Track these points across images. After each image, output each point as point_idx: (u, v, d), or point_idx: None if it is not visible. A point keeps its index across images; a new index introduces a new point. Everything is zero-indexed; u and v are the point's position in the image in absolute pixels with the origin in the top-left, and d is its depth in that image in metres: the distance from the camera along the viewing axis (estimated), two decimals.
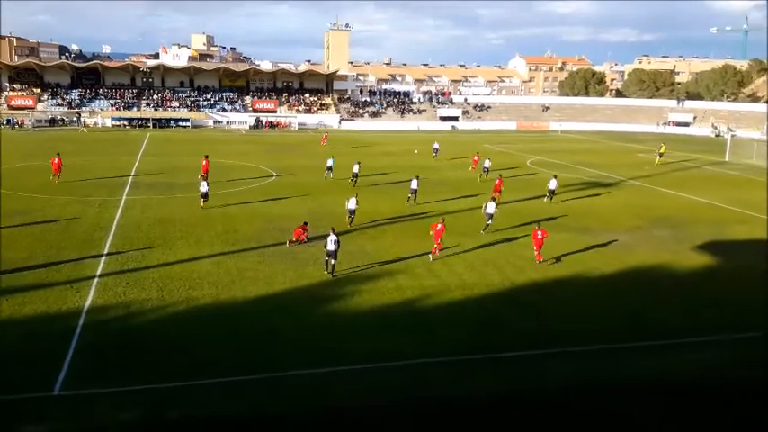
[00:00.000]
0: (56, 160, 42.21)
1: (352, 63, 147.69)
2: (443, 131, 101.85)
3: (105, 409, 14.98)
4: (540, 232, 27.09)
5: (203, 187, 36.36)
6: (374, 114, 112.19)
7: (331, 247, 24.26)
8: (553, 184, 40.80)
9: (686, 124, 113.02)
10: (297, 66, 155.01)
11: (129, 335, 18.93)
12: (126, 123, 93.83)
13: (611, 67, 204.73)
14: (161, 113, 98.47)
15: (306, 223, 29.91)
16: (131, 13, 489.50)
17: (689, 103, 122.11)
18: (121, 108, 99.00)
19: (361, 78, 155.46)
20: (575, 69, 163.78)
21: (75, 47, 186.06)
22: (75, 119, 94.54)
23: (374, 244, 29.40)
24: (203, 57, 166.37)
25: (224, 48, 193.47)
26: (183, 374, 16.34)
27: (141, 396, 15.49)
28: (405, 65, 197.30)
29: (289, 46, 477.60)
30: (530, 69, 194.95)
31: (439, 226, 27.48)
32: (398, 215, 35.64)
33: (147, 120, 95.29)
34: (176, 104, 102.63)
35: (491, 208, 32.16)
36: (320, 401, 15.57)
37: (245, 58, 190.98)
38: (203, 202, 36.06)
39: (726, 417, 15.34)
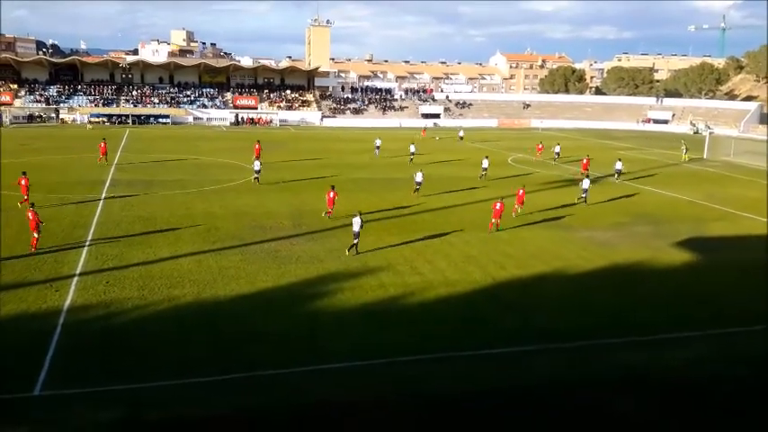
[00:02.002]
0: (23, 181, 33.93)
1: (333, 60, 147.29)
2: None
3: (86, 409, 14.80)
4: (498, 204, 31.48)
5: (256, 166, 43.79)
6: (356, 111, 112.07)
7: (356, 228, 26.75)
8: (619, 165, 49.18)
9: (665, 121, 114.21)
10: (278, 62, 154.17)
11: (109, 334, 18.72)
12: (105, 120, 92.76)
13: (591, 64, 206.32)
14: (140, 110, 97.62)
15: (333, 186, 33.75)
16: (110, 9, 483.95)
17: (667, 101, 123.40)
18: (100, 104, 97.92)
19: (343, 75, 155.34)
20: (555, 67, 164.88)
21: (52, 42, 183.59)
22: (53, 115, 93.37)
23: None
24: (183, 53, 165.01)
25: (204, 44, 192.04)
26: (164, 374, 16.18)
27: (123, 396, 15.31)
28: (386, 62, 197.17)
29: (270, 42, 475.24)
30: (510, 67, 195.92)
31: (498, 205, 31.40)
32: (380, 212, 35.59)
33: (127, 116, 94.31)
34: (156, 101, 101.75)
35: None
36: (304, 399, 15.50)
37: (225, 53, 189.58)
38: (256, 177, 43.32)
39: (711, 411, 15.53)
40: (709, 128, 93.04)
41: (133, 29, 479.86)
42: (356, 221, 26.95)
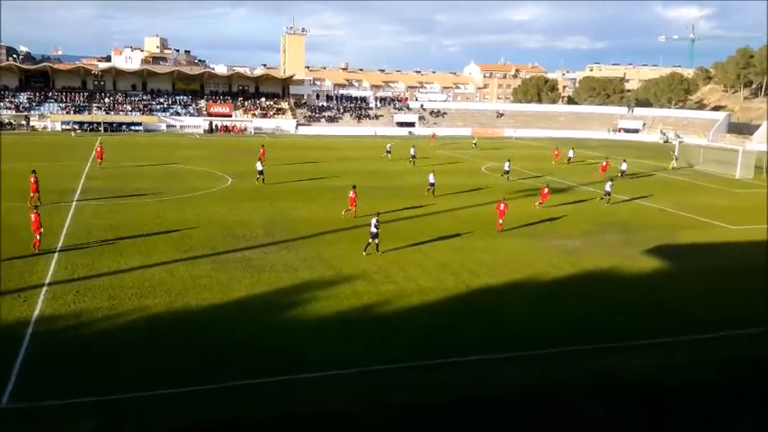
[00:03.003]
0: (32, 179, 36.00)
1: (308, 68, 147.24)
2: (401, 137, 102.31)
3: (55, 421, 14.60)
4: (502, 205, 33.75)
5: (259, 167, 47.49)
6: (331, 119, 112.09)
7: (374, 230, 28.17)
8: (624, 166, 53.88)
9: (636, 131, 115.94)
10: (252, 69, 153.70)
11: (79, 345, 18.47)
12: (76, 127, 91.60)
13: (564, 74, 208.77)
14: (112, 117, 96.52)
15: (354, 186, 36.38)
16: (82, 15, 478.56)
17: (638, 110, 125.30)
18: (72, 112, 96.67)
19: (318, 83, 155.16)
20: (528, 77, 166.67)
21: (23, 48, 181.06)
22: (23, 122, 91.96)
23: (331, 250, 29.33)
24: (157, 60, 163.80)
25: (178, 51, 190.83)
26: (136, 385, 16.00)
27: (93, 408, 15.10)
28: (361, 70, 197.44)
29: (245, 50, 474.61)
30: (484, 76, 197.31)
31: (502, 206, 33.73)
32: (354, 221, 35.60)
33: (98, 124, 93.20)
34: (128, 108, 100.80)
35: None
36: (278, 409, 15.46)
37: (199, 61, 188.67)
38: (260, 178, 47.06)
39: (682, 417, 15.78)
40: (678, 137, 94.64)
41: (106, 35, 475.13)
42: (373, 222, 28.48)
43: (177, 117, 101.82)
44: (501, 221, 34.14)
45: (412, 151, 64.38)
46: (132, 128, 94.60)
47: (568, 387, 17.15)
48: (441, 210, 39.75)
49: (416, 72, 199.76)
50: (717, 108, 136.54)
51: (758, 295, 25.00)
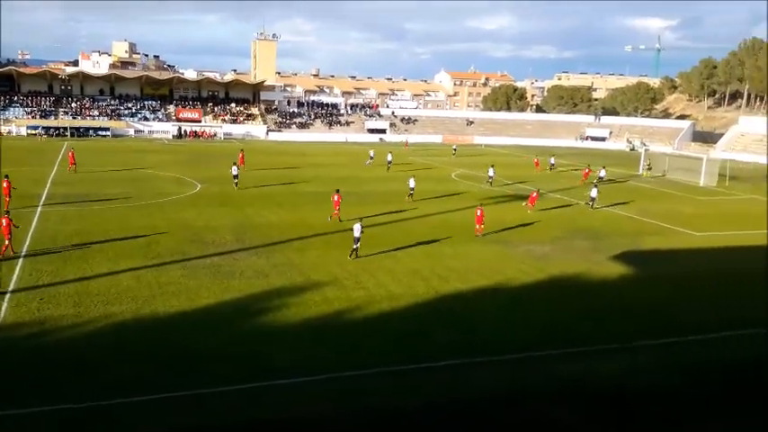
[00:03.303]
0: (4, 183, 36.34)
1: (279, 73, 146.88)
2: (372, 144, 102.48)
3: (17, 430, 14.29)
4: (479, 211, 34.67)
5: (234, 171, 48.20)
6: (302, 125, 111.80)
7: (357, 234, 28.71)
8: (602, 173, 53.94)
9: (602, 139, 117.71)
10: (222, 75, 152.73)
11: (43, 353, 18.10)
12: (42, 132, 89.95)
13: (532, 83, 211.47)
14: (79, 122, 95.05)
15: (338, 190, 37.15)
16: (48, 18, 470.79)
17: (605, 119, 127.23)
18: (38, 116, 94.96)
19: (289, 89, 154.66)
20: (497, 85, 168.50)
21: None
22: None
23: (301, 256, 29.23)
24: (125, 64, 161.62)
25: (146, 55, 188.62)
26: (101, 394, 15.72)
27: (58, 417, 14.83)
28: (333, 77, 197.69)
29: (215, 55, 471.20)
30: (455, 84, 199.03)
31: (479, 212, 34.64)
32: (325, 227, 35.55)
33: (65, 129, 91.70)
34: (96, 113, 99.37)
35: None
36: (247, 416, 15.33)
37: (168, 66, 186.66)
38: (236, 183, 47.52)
39: (648, 422, 16.01)
40: (644, 145, 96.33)
41: (74, 40, 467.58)
42: (357, 228, 28.93)
43: (146, 122, 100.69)
44: (481, 227, 34.63)
45: (389, 157, 65.30)
46: (100, 133, 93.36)
47: (536, 392, 17.30)
48: (411, 216, 39.88)
49: (387, 79, 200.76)
50: (682, 117, 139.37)
51: (723, 301, 25.56)
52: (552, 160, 72.42)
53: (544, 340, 20.66)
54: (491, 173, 56.30)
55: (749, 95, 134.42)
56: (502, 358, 19.20)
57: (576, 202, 47.98)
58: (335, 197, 36.99)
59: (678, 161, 70.67)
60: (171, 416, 15.27)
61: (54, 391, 15.89)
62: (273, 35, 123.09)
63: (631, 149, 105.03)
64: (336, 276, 26.26)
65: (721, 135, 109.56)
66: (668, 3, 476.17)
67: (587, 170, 62.04)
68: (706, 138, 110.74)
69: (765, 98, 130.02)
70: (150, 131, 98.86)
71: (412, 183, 46.15)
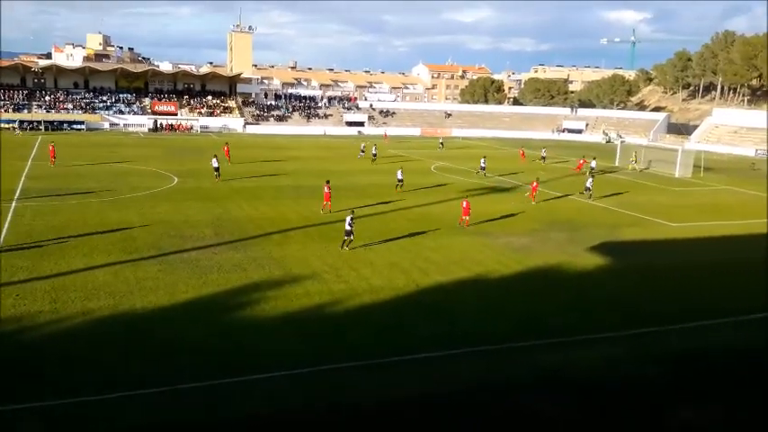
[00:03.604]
0: None
1: (256, 66, 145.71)
2: (350, 136, 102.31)
3: (1, 427, 14.11)
4: (465, 202, 35.52)
5: (214, 163, 48.96)
6: (280, 118, 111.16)
7: (348, 227, 29.18)
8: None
9: (579, 131, 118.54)
10: (198, 67, 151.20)
11: (20, 350, 17.84)
12: (15, 126, 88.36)
13: (510, 75, 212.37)
14: (53, 116, 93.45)
15: (328, 181, 37.79)
16: (22, 10, 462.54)
17: (581, 111, 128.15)
18: (10, 110, 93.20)
19: (266, 82, 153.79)
20: (475, 78, 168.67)
21: None
22: None
23: (281, 250, 29.12)
24: (99, 57, 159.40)
25: (121, 48, 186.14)
26: (80, 390, 15.55)
27: (36, 415, 14.63)
28: (310, 69, 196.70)
29: (191, 47, 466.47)
30: (432, 77, 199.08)
31: (465, 203, 35.38)
32: (304, 220, 35.45)
33: (39, 122, 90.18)
34: (70, 106, 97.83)
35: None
36: (229, 412, 15.26)
37: (143, 58, 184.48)
38: (217, 176, 48.28)
39: (624, 411, 16.21)
40: (620, 137, 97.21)
41: (47, 32, 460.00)
42: (348, 219, 29.42)
43: (121, 115, 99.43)
44: (467, 218, 35.29)
45: (374, 150, 66.33)
46: (74, 126, 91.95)
47: (517, 383, 17.44)
48: (391, 209, 39.89)
49: (365, 72, 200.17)
50: (657, 109, 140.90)
51: (699, 290, 25.97)
52: (544, 152, 72.68)
53: (524, 331, 20.81)
54: (483, 164, 57.64)
55: (723, 87, 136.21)
56: (482, 349, 19.29)
57: (558, 195, 48.33)
58: (326, 188, 37.51)
59: (653, 153, 71.45)
60: (152, 411, 15.14)
61: (34, 387, 15.67)
62: (249, 27, 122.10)
63: (607, 141, 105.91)
64: (317, 270, 26.20)
65: (696, 127, 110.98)
66: None
67: (582, 161, 63.11)
68: (681, 129, 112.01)
69: (739, 90, 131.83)
70: (126, 125, 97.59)
71: (399, 174, 47.12)
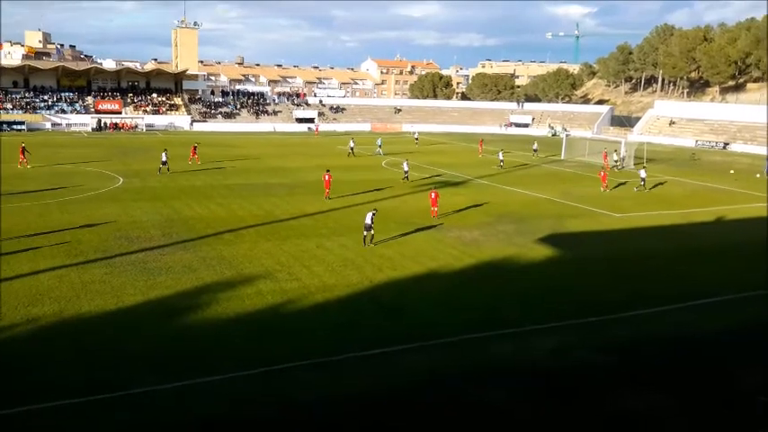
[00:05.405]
0: None
1: (202, 62, 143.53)
2: (301, 133, 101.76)
3: None
4: (434, 194, 36.59)
5: (163, 157, 50.75)
6: (228, 115, 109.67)
7: (368, 221, 29.67)
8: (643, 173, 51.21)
9: (526, 125, 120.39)
10: (143, 64, 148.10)
11: None
12: None
13: (458, 70, 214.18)
14: None
15: (328, 170, 40.68)
16: None
17: (528, 105, 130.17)
18: None
19: (213, 78, 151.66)
20: (424, 73, 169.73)
21: None
22: None
23: (232, 249, 28.80)
24: (39, 55, 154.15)
25: (62, 45, 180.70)
26: (25, 399, 15.13)
27: None
28: (258, 65, 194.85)
29: (135, 44, 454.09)
30: (381, 72, 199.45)
31: (434, 194, 36.45)
32: (255, 219, 35.13)
33: None
34: (9, 106, 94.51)
35: None
36: (182, 416, 15.07)
37: (85, 56, 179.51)
38: (162, 168, 50.05)
39: (578, 401, 16.60)
40: (566, 130, 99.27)
41: None
42: (368, 216, 29.94)
43: (63, 115, 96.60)
44: (435, 209, 36.40)
45: (351, 144, 68.75)
46: (14, 127, 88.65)
47: (470, 374, 17.67)
48: (342, 205, 39.81)
49: (314, 67, 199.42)
50: (601, 102, 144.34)
51: (645, 279, 26.74)
52: (536, 146, 75.39)
53: (477, 323, 21.06)
54: (500, 156, 62.27)
55: (663, 80, 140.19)
56: (436, 343, 19.48)
57: (507, 188, 49.02)
58: (326, 176, 40.41)
59: (598, 145, 73.07)
60: (101, 418, 14.83)
61: None
62: (195, 23, 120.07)
63: (553, 135, 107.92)
64: (269, 269, 26.01)
65: (638, 119, 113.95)
66: None
67: (604, 153, 64.69)
68: (624, 122, 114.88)
69: (678, 82, 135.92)
70: (68, 124, 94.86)
71: (406, 166, 50.41)
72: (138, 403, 15.43)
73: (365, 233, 29.98)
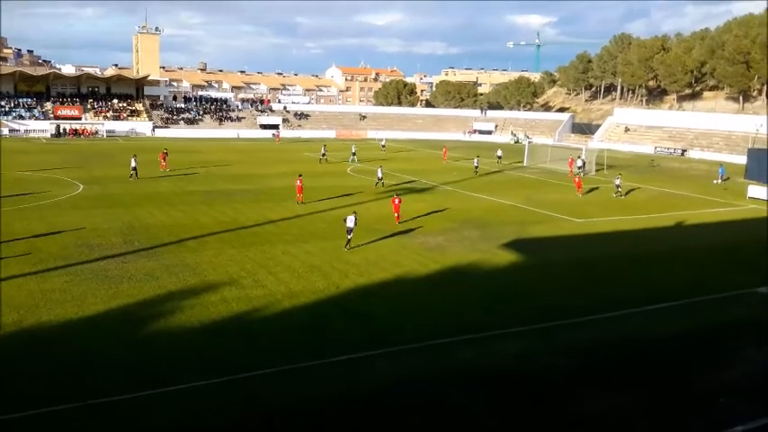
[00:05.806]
0: None
1: (164, 68, 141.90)
2: (265, 139, 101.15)
3: None
4: (397, 200, 36.82)
5: (132, 163, 50.77)
6: (190, 121, 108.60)
7: (350, 225, 30.10)
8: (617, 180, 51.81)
9: (489, 132, 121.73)
10: (103, 70, 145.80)
11: None
12: None
13: (421, 78, 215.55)
14: None
15: (300, 175, 42.01)
16: None
17: (491, 113, 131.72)
18: None
19: (175, 84, 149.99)
20: (388, 80, 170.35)
21: None
22: None
23: (195, 256, 28.48)
24: None
25: (19, 50, 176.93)
26: None
27: None
28: (221, 71, 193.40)
29: (96, 49, 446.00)
30: (346, 79, 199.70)
31: (397, 200, 36.77)
32: (219, 223, 34.81)
33: None
34: None
35: None
36: (142, 425, 14.85)
37: (44, 61, 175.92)
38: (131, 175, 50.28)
39: (542, 405, 16.80)
40: (528, 137, 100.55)
41: None
42: (350, 219, 30.24)
43: (21, 121, 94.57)
44: (398, 215, 36.78)
45: (323, 150, 69.90)
46: None
47: (435, 378, 17.75)
48: (307, 212, 39.71)
49: (278, 74, 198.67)
50: (561, 110, 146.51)
51: (607, 283, 27.27)
52: (499, 152, 76.14)
53: (442, 329, 21.16)
54: (476, 162, 63.68)
55: (622, 88, 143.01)
56: (401, 348, 19.53)
57: (471, 194, 49.42)
58: (298, 182, 41.44)
59: (559, 152, 74.17)
60: (60, 429, 14.53)
61: None
62: (156, 28, 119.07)
63: (516, 142, 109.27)
64: (233, 276, 25.80)
65: (598, 126, 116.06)
66: (549, 1, 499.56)
67: (571, 160, 65.08)
68: (584, 129, 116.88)
69: (637, 90, 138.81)
70: (26, 130, 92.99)
71: (380, 173, 51.24)
72: (100, 413, 15.16)
73: (349, 236, 30.54)
